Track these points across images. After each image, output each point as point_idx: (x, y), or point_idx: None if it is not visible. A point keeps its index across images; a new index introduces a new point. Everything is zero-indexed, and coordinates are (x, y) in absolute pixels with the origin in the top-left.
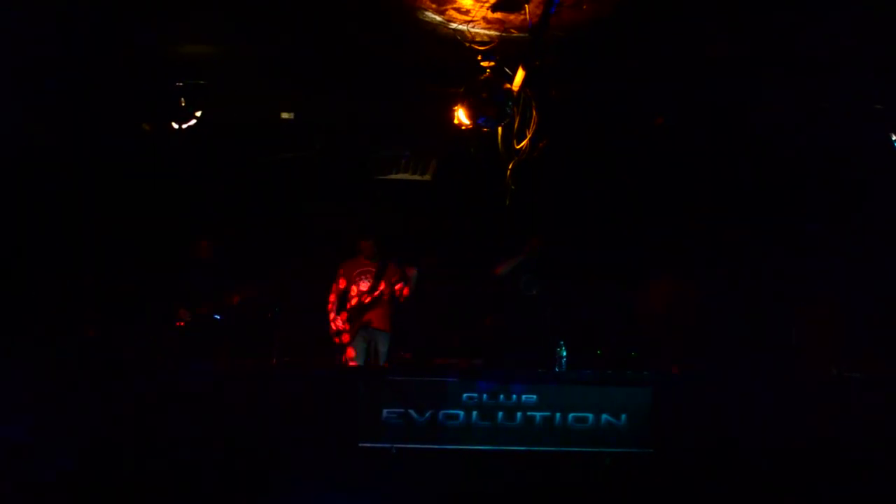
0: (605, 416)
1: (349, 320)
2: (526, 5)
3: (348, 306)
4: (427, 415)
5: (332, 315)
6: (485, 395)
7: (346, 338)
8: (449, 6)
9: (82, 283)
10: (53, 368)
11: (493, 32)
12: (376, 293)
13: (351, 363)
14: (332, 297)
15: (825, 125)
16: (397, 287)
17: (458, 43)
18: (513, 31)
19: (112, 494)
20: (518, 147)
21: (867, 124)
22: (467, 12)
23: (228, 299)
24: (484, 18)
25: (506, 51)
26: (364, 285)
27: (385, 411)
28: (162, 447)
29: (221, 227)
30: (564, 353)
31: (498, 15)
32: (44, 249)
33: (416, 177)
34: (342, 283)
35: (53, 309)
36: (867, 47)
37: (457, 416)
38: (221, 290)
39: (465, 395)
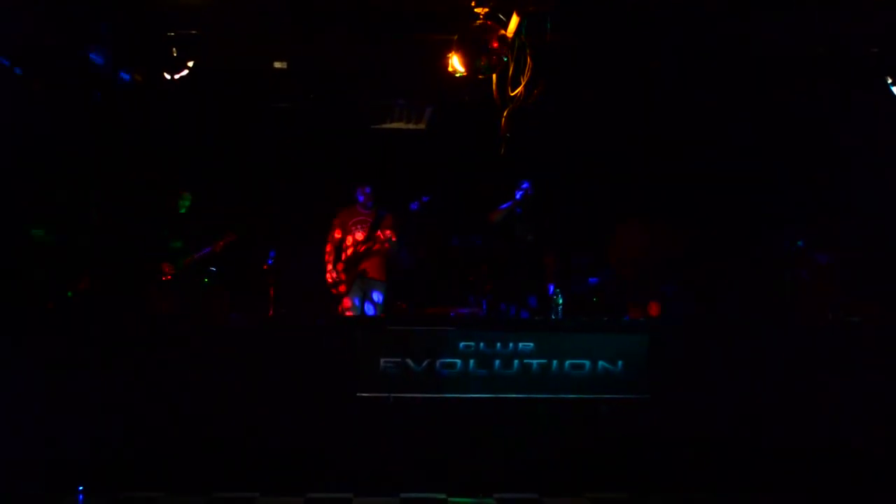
0: (601, 363)
1: (345, 270)
2: None
3: (344, 256)
4: (424, 364)
5: (329, 266)
6: (482, 344)
7: (342, 288)
8: None
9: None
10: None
11: None
12: (372, 243)
13: (348, 313)
14: (329, 248)
15: (822, 64)
16: (387, 233)
17: None
18: None
19: (110, 445)
20: (513, 94)
21: (864, 68)
22: None
23: (213, 248)
24: None
25: None
26: (360, 235)
27: (383, 361)
28: (159, 400)
29: (214, 180)
30: (561, 301)
31: None
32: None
33: (411, 125)
34: (338, 233)
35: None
36: None
37: (454, 364)
38: (203, 241)
39: (461, 343)
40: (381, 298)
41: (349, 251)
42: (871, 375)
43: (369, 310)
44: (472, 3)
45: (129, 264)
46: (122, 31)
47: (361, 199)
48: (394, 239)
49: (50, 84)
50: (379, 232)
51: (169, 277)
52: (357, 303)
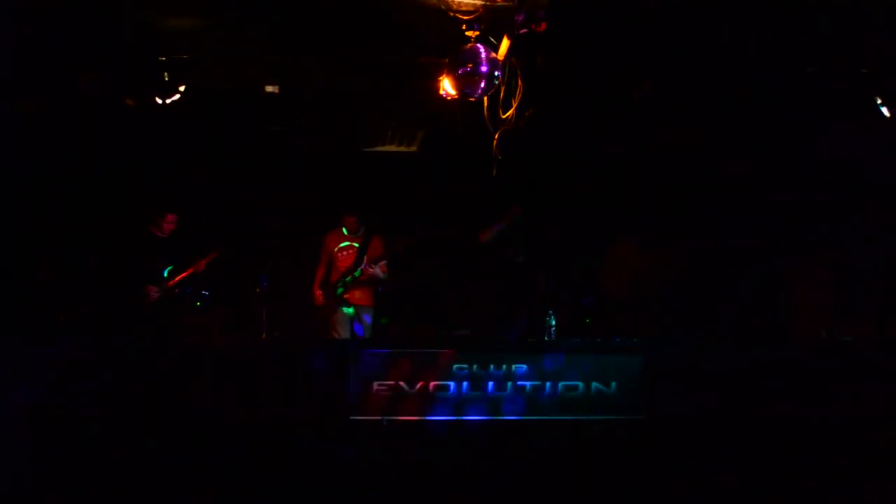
0: (595, 385)
1: (333, 296)
2: None
3: (331, 280)
4: (417, 386)
5: (317, 290)
6: (475, 366)
7: (328, 312)
8: None
9: (45, 267)
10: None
11: (477, 1)
12: (360, 274)
13: (336, 336)
14: (320, 271)
15: (815, 87)
16: (379, 265)
17: (442, 12)
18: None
19: (102, 478)
20: (504, 117)
21: (856, 90)
22: None
23: (195, 268)
24: None
25: (490, 19)
26: (347, 260)
27: (375, 384)
28: (150, 425)
29: (205, 203)
30: (553, 322)
31: None
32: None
33: (403, 148)
34: (326, 256)
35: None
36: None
37: (447, 387)
38: (187, 262)
39: (455, 366)
40: (370, 321)
41: (337, 275)
42: (866, 396)
43: (360, 333)
44: (463, 26)
45: (117, 287)
46: (114, 55)
47: (348, 223)
48: (380, 265)
49: (42, 106)
50: (366, 258)
51: (153, 300)
52: (349, 326)
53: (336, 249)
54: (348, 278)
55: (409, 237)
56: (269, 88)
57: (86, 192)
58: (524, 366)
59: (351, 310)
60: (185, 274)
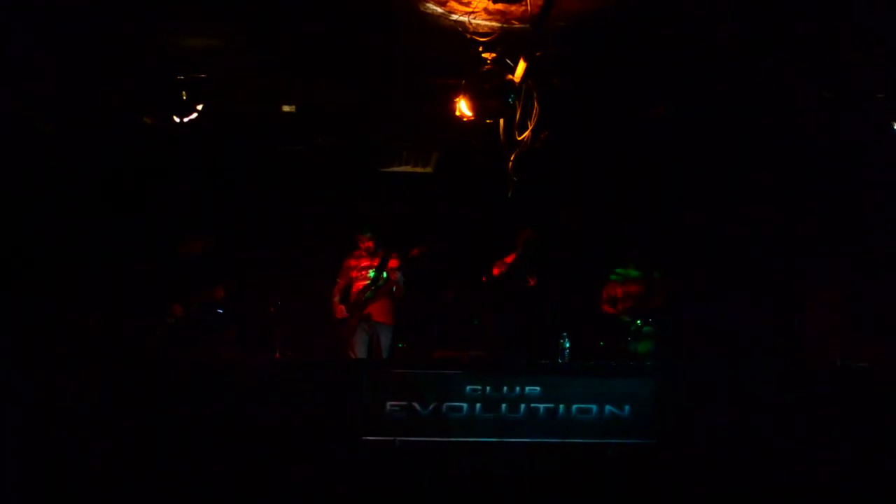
0: (608, 408)
1: (350, 312)
2: None
3: (351, 300)
4: (430, 407)
5: (335, 305)
6: (488, 387)
7: (348, 331)
8: None
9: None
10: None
11: (494, 24)
12: (378, 286)
13: (354, 356)
14: (336, 291)
15: (830, 115)
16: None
17: (460, 34)
18: (514, 22)
19: (111, 489)
20: (520, 138)
21: (870, 114)
22: (468, 3)
23: (213, 293)
24: (485, 10)
25: (507, 42)
26: (365, 279)
27: (388, 404)
28: (163, 441)
29: (221, 221)
30: (567, 345)
31: (499, 6)
32: (37, 244)
33: (418, 169)
34: (345, 278)
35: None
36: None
37: (460, 408)
38: (209, 285)
39: (468, 387)
40: (388, 342)
41: (355, 295)
42: (881, 422)
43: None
44: (480, 49)
45: (136, 306)
46: (133, 75)
47: (367, 246)
48: (394, 277)
49: (61, 128)
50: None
51: (173, 319)
52: (363, 346)
53: (356, 269)
54: (367, 294)
55: (423, 247)
56: (287, 108)
57: (101, 210)
58: (537, 388)
59: (366, 335)
60: (203, 298)
